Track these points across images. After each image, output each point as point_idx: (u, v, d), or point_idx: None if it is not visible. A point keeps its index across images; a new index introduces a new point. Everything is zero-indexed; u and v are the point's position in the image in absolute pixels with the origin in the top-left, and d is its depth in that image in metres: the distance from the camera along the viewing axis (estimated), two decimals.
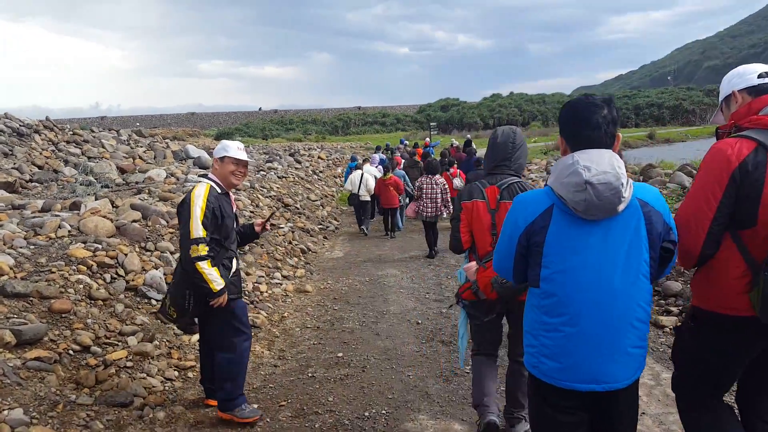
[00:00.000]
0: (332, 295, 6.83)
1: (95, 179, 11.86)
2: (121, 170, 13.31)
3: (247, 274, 6.62)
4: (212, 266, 3.11)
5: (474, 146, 16.28)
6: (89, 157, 14.32)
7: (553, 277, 1.85)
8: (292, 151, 21.28)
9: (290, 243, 9.17)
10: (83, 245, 5.02)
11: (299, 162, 17.94)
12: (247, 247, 7.63)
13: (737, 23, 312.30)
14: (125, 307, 4.51)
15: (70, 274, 4.52)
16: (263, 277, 6.85)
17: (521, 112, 63.37)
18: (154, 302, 4.80)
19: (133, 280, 4.90)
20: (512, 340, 3.15)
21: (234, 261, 3.42)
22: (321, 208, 13.42)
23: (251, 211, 9.47)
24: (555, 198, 1.85)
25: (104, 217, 5.72)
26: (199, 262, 3.07)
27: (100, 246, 5.06)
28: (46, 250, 4.90)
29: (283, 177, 14.32)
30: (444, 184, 8.94)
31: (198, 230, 3.05)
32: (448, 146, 17.78)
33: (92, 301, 4.35)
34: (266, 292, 6.43)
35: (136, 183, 11.60)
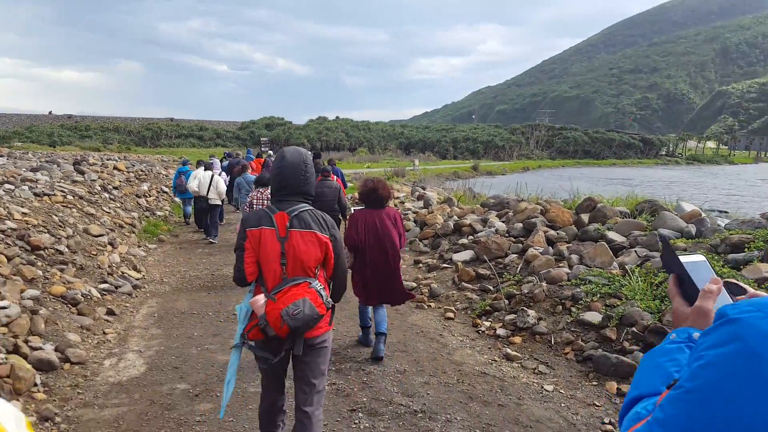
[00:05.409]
0: None
1: None
2: None
3: None
4: None
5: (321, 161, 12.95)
6: None
7: None
8: (79, 159, 15.00)
9: (10, 352, 4.06)
10: None
11: (82, 173, 12.04)
12: None
13: (521, 74, 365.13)
14: None
15: None
16: None
17: (348, 137, 61.50)
18: None
19: None
20: (297, 386, 2.72)
21: None
22: (110, 248, 8.06)
23: None
24: None
25: None
26: None
27: None
28: None
29: (46, 195, 8.69)
30: None
31: None
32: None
33: None
34: None
35: None
